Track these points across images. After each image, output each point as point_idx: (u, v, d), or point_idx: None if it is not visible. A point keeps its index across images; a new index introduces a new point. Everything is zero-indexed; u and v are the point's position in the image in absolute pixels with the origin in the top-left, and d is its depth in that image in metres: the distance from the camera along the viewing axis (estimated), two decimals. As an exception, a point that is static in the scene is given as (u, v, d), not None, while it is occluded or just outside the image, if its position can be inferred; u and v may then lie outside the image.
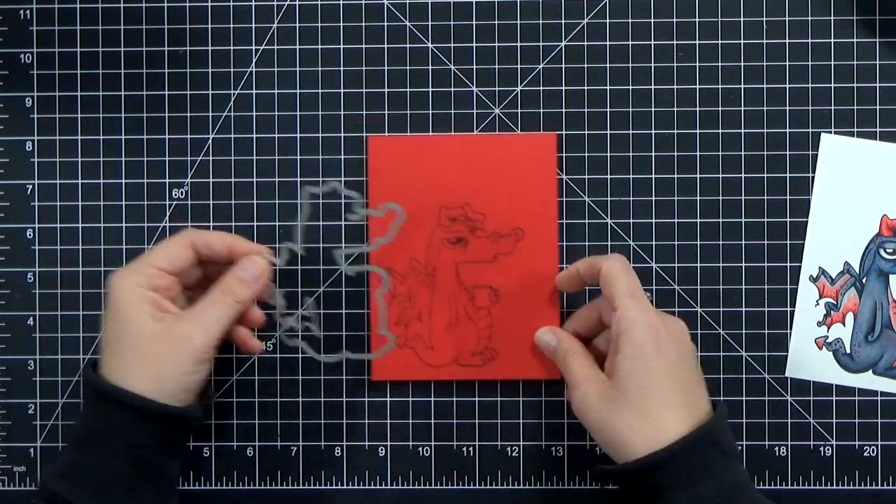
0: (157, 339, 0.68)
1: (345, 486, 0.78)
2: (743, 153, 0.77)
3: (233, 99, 0.78)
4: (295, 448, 0.78)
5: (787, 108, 0.77)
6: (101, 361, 0.69)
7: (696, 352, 0.73)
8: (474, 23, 0.78)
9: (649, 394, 0.67)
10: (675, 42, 0.77)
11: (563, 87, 0.77)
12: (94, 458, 0.67)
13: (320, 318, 0.77)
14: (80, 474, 0.67)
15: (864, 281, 0.76)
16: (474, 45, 0.78)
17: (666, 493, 0.65)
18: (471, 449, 0.78)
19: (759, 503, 0.66)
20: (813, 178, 0.77)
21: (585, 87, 0.77)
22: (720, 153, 0.77)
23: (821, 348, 0.77)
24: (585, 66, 0.77)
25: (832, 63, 0.77)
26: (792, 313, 0.77)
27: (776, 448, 0.77)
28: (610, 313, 0.70)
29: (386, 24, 0.78)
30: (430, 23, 0.78)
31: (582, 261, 0.73)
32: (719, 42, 0.77)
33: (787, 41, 0.77)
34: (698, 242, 0.77)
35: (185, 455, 0.78)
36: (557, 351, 0.74)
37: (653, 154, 0.77)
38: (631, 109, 0.77)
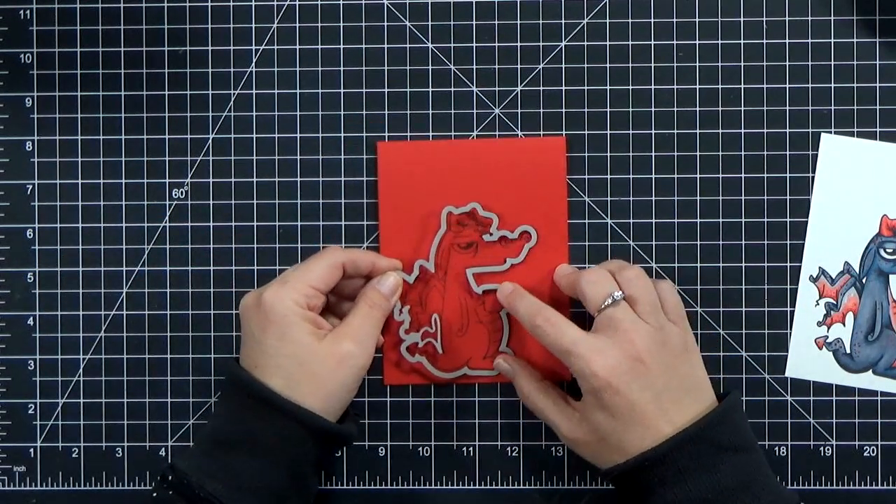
0: (325, 359, 0.70)
1: (345, 486, 0.78)
2: (743, 153, 0.77)
3: (233, 99, 0.78)
4: (295, 448, 0.78)
5: (787, 108, 0.77)
6: (258, 372, 0.69)
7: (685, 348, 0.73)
8: (474, 23, 0.78)
9: (624, 434, 0.68)
10: (675, 42, 0.77)
11: (564, 88, 0.77)
12: (255, 466, 0.68)
13: (439, 334, 0.77)
14: (239, 480, 0.68)
15: (864, 281, 0.76)
16: (474, 45, 0.78)
17: (658, 490, 0.67)
18: (471, 449, 0.78)
19: (762, 496, 0.67)
20: (813, 178, 0.77)
21: (585, 87, 0.77)
22: (720, 153, 0.77)
23: (821, 348, 0.77)
24: (585, 66, 0.77)
25: (832, 63, 0.77)
26: (792, 313, 0.77)
27: (776, 448, 0.77)
28: None
29: (386, 24, 0.78)
30: (430, 23, 0.78)
31: (512, 308, 0.74)
32: (719, 42, 0.77)
33: (787, 41, 0.77)
34: (698, 242, 0.77)
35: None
36: (516, 384, 0.75)
37: (653, 154, 0.77)
38: (631, 109, 0.77)
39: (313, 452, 0.70)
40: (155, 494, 0.68)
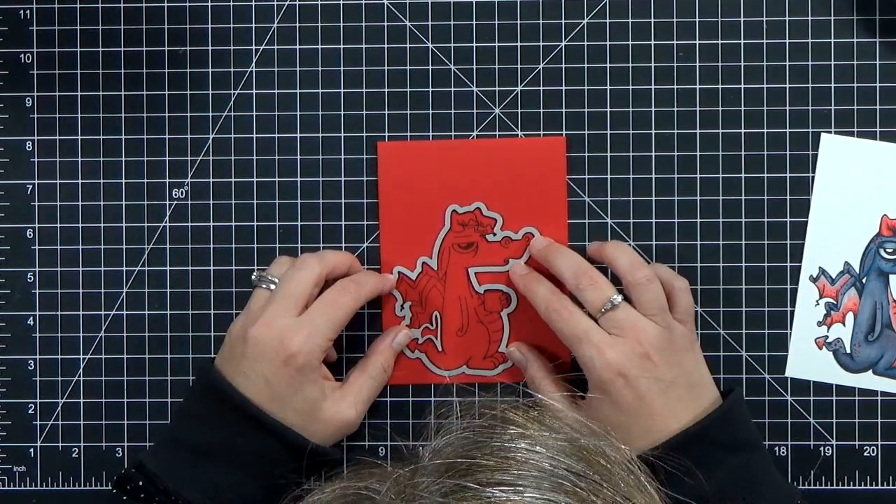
0: (326, 423, 0.71)
1: (345, 486, 0.78)
2: (743, 153, 0.77)
3: (233, 99, 0.78)
4: (295, 448, 0.78)
5: (787, 108, 0.77)
6: (243, 387, 0.69)
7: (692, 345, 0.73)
8: (474, 23, 0.78)
9: (630, 429, 0.68)
10: (675, 42, 0.77)
11: (564, 87, 0.77)
12: (233, 479, 0.68)
13: (439, 332, 0.77)
14: (215, 490, 0.68)
15: (864, 281, 0.76)
16: (474, 45, 0.78)
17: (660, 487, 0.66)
18: (471, 449, 0.78)
19: (764, 493, 0.67)
20: (813, 178, 0.77)
21: (585, 87, 0.77)
22: (720, 153, 0.77)
23: (821, 348, 0.77)
24: (585, 66, 0.77)
25: (832, 63, 0.77)
26: (792, 313, 0.77)
27: (776, 448, 0.77)
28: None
29: (386, 24, 0.78)
30: (430, 23, 0.78)
31: (529, 294, 0.74)
32: (719, 42, 0.77)
33: (787, 41, 0.77)
34: (698, 242, 0.77)
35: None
36: (527, 373, 0.75)
37: (653, 154, 0.77)
38: (631, 109, 0.77)
39: (295, 470, 0.70)
40: (126, 498, 0.68)
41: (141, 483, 0.68)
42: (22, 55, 0.79)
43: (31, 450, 0.79)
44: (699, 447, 0.67)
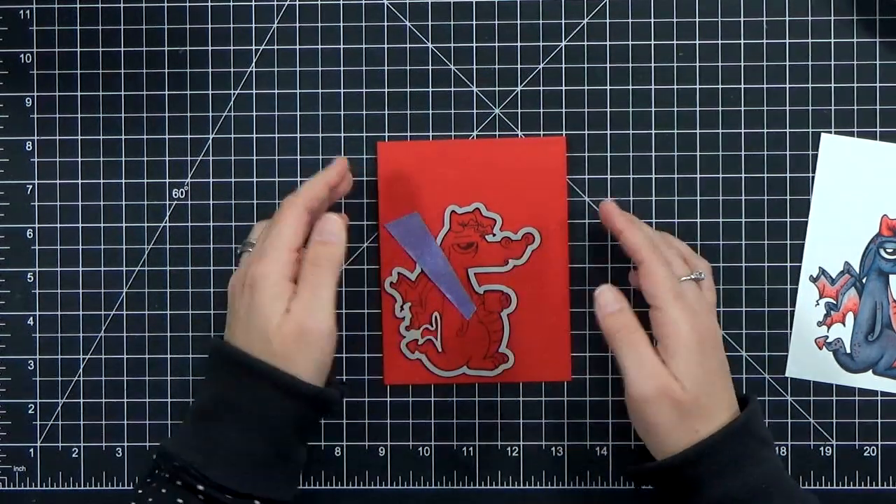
0: (283, 339, 0.66)
1: (345, 486, 0.78)
2: (743, 153, 0.77)
3: (233, 99, 0.78)
4: (295, 448, 0.78)
5: (787, 108, 0.77)
6: (233, 339, 0.67)
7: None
8: (474, 23, 0.78)
9: (710, 399, 0.66)
10: (675, 42, 0.77)
11: (564, 88, 0.77)
12: (233, 434, 0.65)
13: (439, 333, 0.77)
14: (216, 449, 0.65)
15: (864, 281, 0.76)
16: (474, 45, 0.78)
17: (708, 483, 0.65)
18: (471, 449, 0.78)
19: (793, 488, 0.67)
20: (813, 178, 0.77)
21: (585, 87, 0.77)
22: (720, 153, 0.77)
23: (821, 348, 0.77)
24: (585, 66, 0.77)
25: (832, 63, 0.77)
26: (792, 313, 0.77)
27: (776, 448, 0.77)
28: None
29: (386, 24, 0.78)
30: (430, 23, 0.78)
31: (625, 233, 0.70)
32: (719, 42, 0.77)
33: (787, 41, 0.77)
34: (698, 242, 0.77)
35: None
36: (616, 320, 0.68)
37: (653, 154, 0.77)
38: (631, 109, 0.77)
39: (293, 418, 0.66)
40: (151, 500, 0.66)
41: (156, 471, 0.66)
42: (22, 55, 0.79)
43: (31, 450, 0.79)
44: (744, 439, 0.66)
